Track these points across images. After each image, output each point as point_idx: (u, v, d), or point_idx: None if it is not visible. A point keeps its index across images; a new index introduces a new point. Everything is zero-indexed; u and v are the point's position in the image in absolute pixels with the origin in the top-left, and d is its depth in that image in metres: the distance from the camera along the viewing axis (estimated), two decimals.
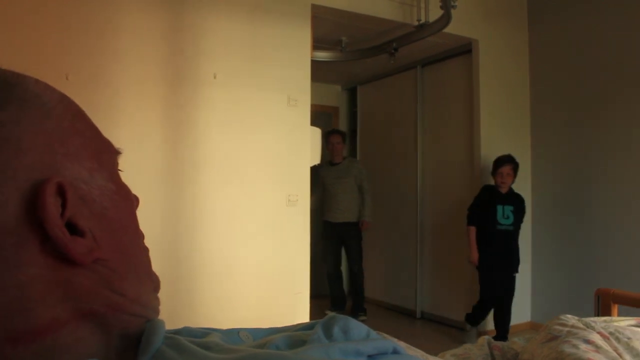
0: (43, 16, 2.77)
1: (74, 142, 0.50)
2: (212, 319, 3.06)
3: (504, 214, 4.14)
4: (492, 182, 4.28)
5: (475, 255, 4.23)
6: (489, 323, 4.50)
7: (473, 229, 4.27)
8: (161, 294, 0.59)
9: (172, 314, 2.83)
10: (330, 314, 0.63)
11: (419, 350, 0.81)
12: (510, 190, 4.23)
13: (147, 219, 2.91)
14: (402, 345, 0.78)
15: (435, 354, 1.23)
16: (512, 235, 4.19)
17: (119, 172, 0.58)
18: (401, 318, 5.29)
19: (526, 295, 4.75)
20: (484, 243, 4.21)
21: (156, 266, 0.59)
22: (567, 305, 4.16)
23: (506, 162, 4.16)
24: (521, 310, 4.71)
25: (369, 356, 0.55)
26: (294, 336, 0.59)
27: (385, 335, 0.73)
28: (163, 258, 3.00)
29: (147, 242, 0.60)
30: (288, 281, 3.43)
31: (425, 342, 4.47)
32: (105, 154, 0.55)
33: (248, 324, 0.71)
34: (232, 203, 3.22)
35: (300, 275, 3.47)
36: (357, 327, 0.60)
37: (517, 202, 4.22)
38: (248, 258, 3.27)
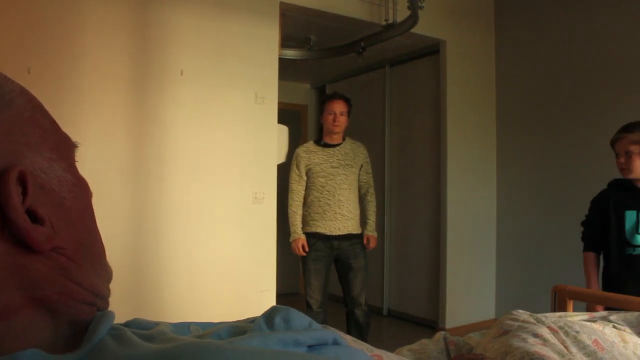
0: (5, 8, 2.72)
1: (34, 133, 0.51)
2: (177, 317, 3.04)
3: (639, 226, 2.36)
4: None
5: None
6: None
7: (590, 258, 2.57)
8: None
9: (137, 311, 2.81)
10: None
11: (364, 344, 0.83)
12: None
13: (112, 215, 2.90)
14: (347, 338, 0.79)
15: None
16: None
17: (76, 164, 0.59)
18: None
19: (490, 293, 4.83)
20: (608, 280, 2.48)
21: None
22: (530, 302, 4.24)
23: (621, 132, 2.43)
24: (485, 308, 4.79)
25: (310, 346, 0.57)
26: (238, 326, 0.61)
27: (331, 328, 0.74)
28: (128, 255, 2.96)
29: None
30: (255, 279, 3.43)
31: (392, 339, 4.51)
32: (64, 147, 0.55)
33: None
34: (198, 200, 3.21)
35: (266, 273, 3.47)
36: (299, 317, 0.61)
37: None
38: (214, 256, 3.26)
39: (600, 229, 2.51)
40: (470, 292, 4.72)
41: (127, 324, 0.60)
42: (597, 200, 2.59)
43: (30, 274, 0.47)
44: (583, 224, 2.67)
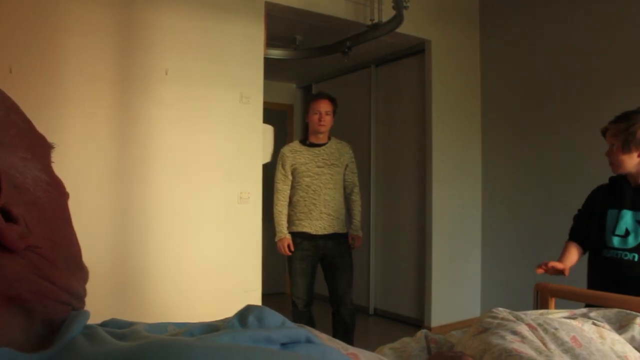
0: None
1: (9, 132, 0.50)
2: (162, 317, 3.03)
3: (617, 228, 2.19)
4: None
5: (550, 267, 2.33)
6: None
7: (569, 245, 2.44)
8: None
9: (122, 311, 2.79)
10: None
11: (340, 342, 0.83)
12: None
13: (97, 216, 2.88)
14: (322, 337, 0.79)
15: None
16: (634, 270, 2.12)
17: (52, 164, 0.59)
18: None
19: (476, 291, 4.86)
20: (590, 282, 2.36)
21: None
22: (515, 301, 4.26)
23: (609, 123, 2.29)
24: (471, 306, 4.82)
25: (282, 344, 0.57)
26: (211, 325, 0.61)
27: (307, 327, 0.74)
28: (113, 256, 2.95)
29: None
30: (240, 279, 3.42)
31: (377, 338, 4.52)
32: (39, 147, 0.55)
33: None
34: (183, 201, 3.20)
35: (252, 273, 3.47)
36: (272, 315, 0.61)
37: None
38: (199, 256, 3.25)
39: (587, 225, 2.37)
40: (455, 290, 4.75)
41: (104, 324, 0.60)
42: (590, 195, 2.43)
43: (3, 272, 0.46)
44: (574, 217, 2.53)
